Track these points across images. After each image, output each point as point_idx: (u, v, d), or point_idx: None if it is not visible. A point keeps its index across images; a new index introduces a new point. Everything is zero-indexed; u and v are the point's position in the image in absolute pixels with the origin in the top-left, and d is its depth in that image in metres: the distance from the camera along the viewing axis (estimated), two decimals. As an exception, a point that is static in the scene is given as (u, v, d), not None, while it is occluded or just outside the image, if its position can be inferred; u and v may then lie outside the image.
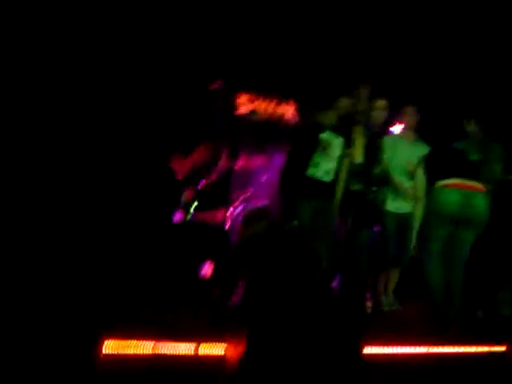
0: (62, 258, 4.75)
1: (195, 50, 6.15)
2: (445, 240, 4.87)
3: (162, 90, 5.65)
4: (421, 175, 5.17)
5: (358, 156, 4.91)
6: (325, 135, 4.92)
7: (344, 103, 4.99)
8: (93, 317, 3.70)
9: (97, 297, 4.17)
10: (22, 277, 4.34)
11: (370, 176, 5.01)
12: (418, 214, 5.14)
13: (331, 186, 4.95)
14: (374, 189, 5.03)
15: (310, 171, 4.91)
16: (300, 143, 4.91)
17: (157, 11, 5.80)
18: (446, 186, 4.85)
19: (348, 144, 4.98)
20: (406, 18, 6.52)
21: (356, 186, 4.94)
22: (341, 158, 4.98)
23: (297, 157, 4.90)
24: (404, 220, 5.21)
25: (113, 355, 3.41)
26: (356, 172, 4.94)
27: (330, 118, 4.97)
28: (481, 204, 4.79)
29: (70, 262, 4.72)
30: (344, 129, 4.98)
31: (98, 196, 5.34)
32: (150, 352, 3.45)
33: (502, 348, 4.43)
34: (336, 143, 4.97)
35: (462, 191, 4.77)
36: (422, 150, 5.24)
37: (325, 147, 4.90)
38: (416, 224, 5.14)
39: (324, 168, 4.92)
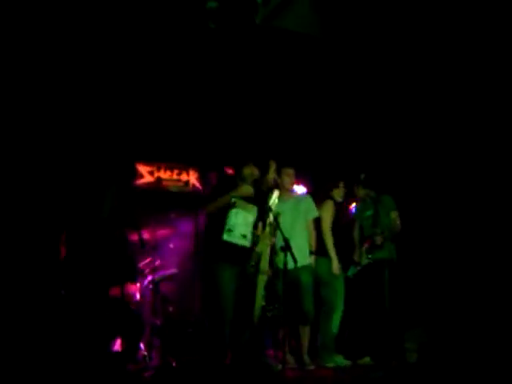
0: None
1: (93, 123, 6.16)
2: None
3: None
4: (310, 229, 5.50)
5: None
6: (239, 201, 4.97)
7: (248, 171, 5.09)
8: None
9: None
10: None
11: None
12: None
13: (249, 250, 5.01)
14: None
15: (225, 236, 4.95)
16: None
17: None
18: None
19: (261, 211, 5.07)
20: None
21: None
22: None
23: (212, 222, 4.96)
24: (294, 276, 5.25)
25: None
26: None
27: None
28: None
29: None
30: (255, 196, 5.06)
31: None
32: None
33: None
34: (248, 208, 5.04)
35: None
36: (304, 204, 5.55)
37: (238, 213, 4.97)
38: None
39: (239, 233, 4.96)
